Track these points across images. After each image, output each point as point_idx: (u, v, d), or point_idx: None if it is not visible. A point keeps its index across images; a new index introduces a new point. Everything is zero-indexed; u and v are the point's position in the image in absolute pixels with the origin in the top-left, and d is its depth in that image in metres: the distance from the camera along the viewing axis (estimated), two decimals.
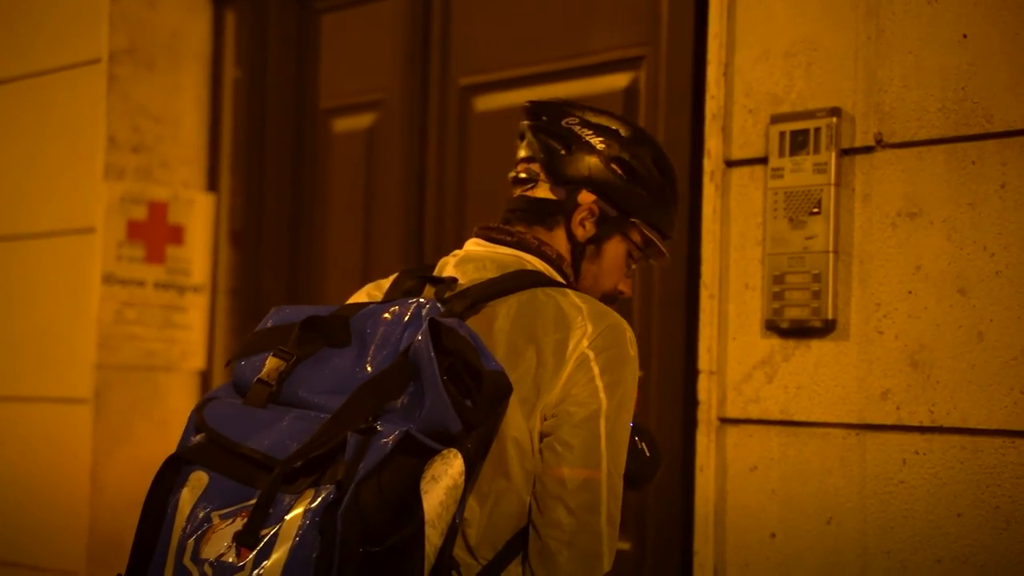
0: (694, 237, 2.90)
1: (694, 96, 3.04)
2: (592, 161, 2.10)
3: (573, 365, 1.92)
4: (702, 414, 2.83)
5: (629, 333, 1.98)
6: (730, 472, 2.79)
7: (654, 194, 2.14)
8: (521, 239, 2.09)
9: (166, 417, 4.20)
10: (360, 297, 2.10)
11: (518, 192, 2.14)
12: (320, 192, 4.08)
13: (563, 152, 2.11)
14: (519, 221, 2.12)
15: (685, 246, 2.93)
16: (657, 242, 2.17)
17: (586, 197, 2.10)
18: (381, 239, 3.86)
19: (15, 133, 4.48)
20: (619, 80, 3.30)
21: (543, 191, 2.12)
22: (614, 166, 2.10)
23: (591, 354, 1.92)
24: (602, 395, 1.91)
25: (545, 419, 1.91)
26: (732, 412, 2.80)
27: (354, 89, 4.00)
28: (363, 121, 3.95)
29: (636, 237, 2.15)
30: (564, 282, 2.07)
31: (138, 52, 4.21)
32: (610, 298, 2.14)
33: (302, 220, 4.11)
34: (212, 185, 4.32)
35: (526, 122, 2.15)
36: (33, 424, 4.28)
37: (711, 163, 2.84)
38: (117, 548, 4.02)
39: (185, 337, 4.24)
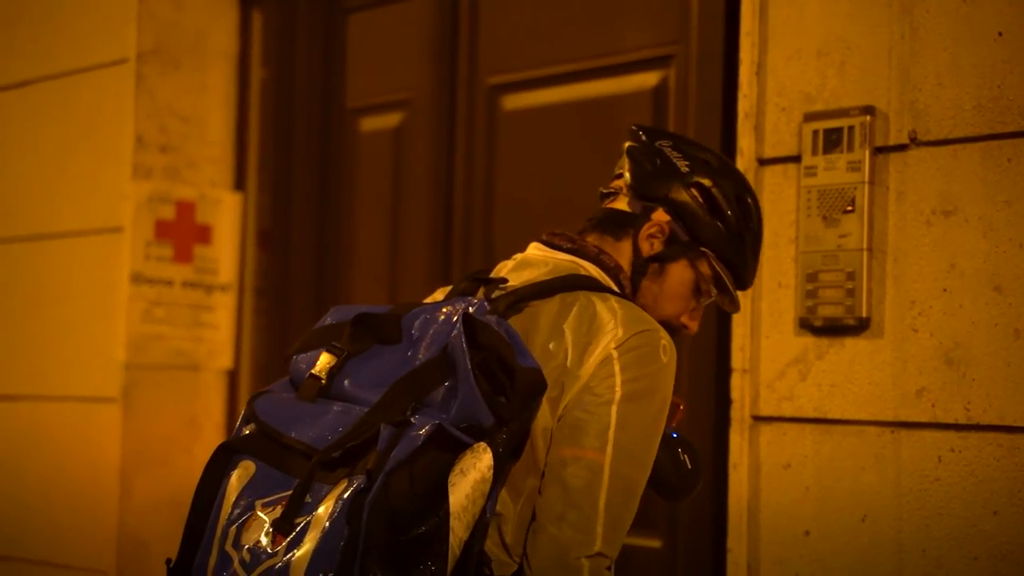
0: None
1: (725, 95, 3.04)
2: (673, 182, 2.12)
3: (596, 364, 1.92)
4: (735, 412, 2.83)
5: (664, 340, 1.97)
6: (763, 470, 2.79)
7: (730, 229, 2.12)
8: (582, 246, 2.11)
9: (194, 416, 4.21)
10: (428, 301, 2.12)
11: (603, 204, 2.17)
12: (347, 192, 4.08)
13: (648, 168, 2.13)
14: (592, 230, 2.15)
15: None
16: (727, 281, 2.15)
17: (660, 216, 2.11)
18: (409, 238, 3.86)
19: (43, 133, 4.49)
20: (649, 79, 3.30)
21: (621, 203, 2.15)
22: (694, 191, 2.11)
23: (615, 354, 1.93)
24: (618, 388, 1.91)
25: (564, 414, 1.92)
26: (765, 410, 2.80)
27: (381, 88, 4.00)
28: (390, 120, 3.95)
29: (704, 269, 2.14)
30: (617, 290, 2.07)
31: (164, 52, 4.22)
32: (673, 330, 2.11)
33: (329, 220, 4.12)
34: (239, 185, 4.33)
35: (627, 143, 2.18)
36: (62, 423, 4.30)
37: (744, 162, 2.84)
38: (145, 547, 4.03)
39: (213, 336, 4.26)
